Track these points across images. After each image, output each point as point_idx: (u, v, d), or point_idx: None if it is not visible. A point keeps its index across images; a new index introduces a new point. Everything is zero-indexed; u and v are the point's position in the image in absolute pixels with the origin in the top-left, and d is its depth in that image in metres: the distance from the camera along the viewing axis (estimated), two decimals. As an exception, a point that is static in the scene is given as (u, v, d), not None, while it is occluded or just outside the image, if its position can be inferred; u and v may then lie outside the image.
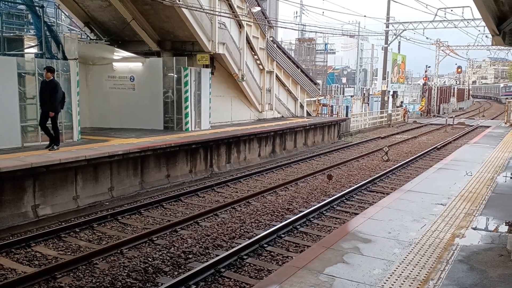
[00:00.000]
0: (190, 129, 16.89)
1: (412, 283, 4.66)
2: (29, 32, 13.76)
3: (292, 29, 43.52)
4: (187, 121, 16.85)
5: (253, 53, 21.69)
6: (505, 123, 30.48)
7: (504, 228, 6.61)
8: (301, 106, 26.74)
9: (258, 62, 22.23)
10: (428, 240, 5.97)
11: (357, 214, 8.79)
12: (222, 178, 14.49)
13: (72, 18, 18.24)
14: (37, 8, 12.84)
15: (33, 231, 9.15)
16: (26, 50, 13.56)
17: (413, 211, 7.42)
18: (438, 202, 8.05)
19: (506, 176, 10.70)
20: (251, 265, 7.62)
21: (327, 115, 28.72)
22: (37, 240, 8.58)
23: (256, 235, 8.87)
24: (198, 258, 7.94)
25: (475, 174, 10.85)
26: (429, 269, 5.00)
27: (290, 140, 20.77)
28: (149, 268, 7.41)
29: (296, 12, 54.70)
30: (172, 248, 8.31)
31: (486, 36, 38.00)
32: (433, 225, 6.62)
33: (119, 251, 8.08)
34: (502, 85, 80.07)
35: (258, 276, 7.17)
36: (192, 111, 16.95)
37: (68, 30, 19.89)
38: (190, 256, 8.00)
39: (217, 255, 7.78)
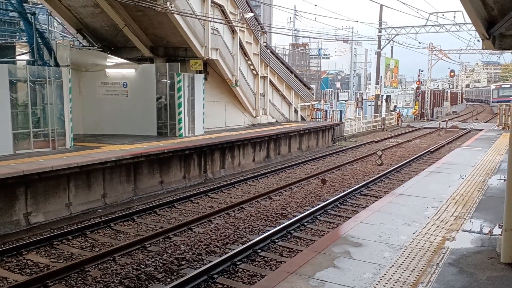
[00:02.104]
0: (183, 135, 16.89)
1: (402, 286, 4.68)
2: (21, 39, 13.76)
3: (286, 34, 43.76)
4: (180, 127, 16.85)
5: (247, 58, 21.75)
6: (498, 126, 30.67)
7: (494, 231, 6.65)
8: (295, 111, 26.82)
9: (252, 67, 22.29)
10: (418, 243, 6.00)
11: (351, 218, 8.81)
12: (216, 184, 14.48)
13: (65, 25, 18.26)
14: (28, 15, 12.85)
15: (25, 239, 9.11)
16: (18, 57, 13.53)
17: (404, 214, 7.46)
18: (430, 206, 8.09)
19: (499, 179, 10.75)
20: (244, 270, 7.61)
21: (321, 120, 28.82)
22: (29, 248, 8.54)
23: (250, 240, 8.87)
24: (191, 264, 7.92)
25: (467, 177, 10.91)
26: (419, 273, 5.03)
27: (284, 144, 20.81)
28: (142, 275, 7.39)
29: (290, 17, 54.95)
30: (165, 255, 8.30)
31: (477, 40, 38.27)
32: (424, 229, 6.64)
33: (111, 258, 8.06)
34: (493, 86, 60.06)
35: (251, 282, 7.17)
36: (185, 117, 16.95)
37: (61, 36, 19.89)
38: (183, 262, 7.99)
39: (210, 261, 7.77)
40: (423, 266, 5.22)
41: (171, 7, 14.50)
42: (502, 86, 57.56)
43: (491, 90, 59.59)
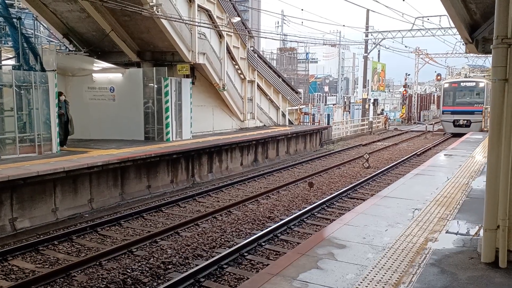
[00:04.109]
0: (171, 139, 16.89)
1: (384, 286, 4.76)
2: (7, 44, 13.67)
3: (273, 39, 43.94)
4: (168, 131, 16.84)
5: (234, 62, 21.83)
6: (483, 129, 31.06)
7: (475, 232, 6.76)
8: (283, 115, 26.94)
9: (239, 71, 22.37)
10: (401, 244, 6.09)
11: (336, 220, 8.88)
12: (203, 188, 14.49)
13: (51, 29, 18.17)
14: (14, 20, 12.76)
15: (10, 244, 9.04)
16: (3, 62, 13.44)
17: (388, 216, 7.55)
18: (414, 207, 8.19)
19: (483, 181, 10.89)
20: (231, 274, 7.64)
21: (309, 124, 28.99)
22: (14, 253, 8.48)
23: (237, 244, 8.91)
24: (178, 268, 7.93)
25: (451, 179, 11.06)
26: (401, 273, 5.11)
27: (272, 148, 20.88)
28: (128, 280, 7.39)
29: (278, 22, 55.25)
30: (152, 259, 8.29)
31: (463, 44, 38.78)
32: (407, 230, 6.74)
33: (97, 263, 8.03)
34: (446, 85, 33.15)
35: (237, 285, 7.20)
36: (173, 121, 16.95)
37: (47, 41, 19.79)
38: (169, 266, 7.99)
39: (197, 265, 7.79)
40: (405, 266, 5.31)
41: (158, 12, 14.53)
42: (461, 83, 32.43)
43: (442, 91, 33.76)
